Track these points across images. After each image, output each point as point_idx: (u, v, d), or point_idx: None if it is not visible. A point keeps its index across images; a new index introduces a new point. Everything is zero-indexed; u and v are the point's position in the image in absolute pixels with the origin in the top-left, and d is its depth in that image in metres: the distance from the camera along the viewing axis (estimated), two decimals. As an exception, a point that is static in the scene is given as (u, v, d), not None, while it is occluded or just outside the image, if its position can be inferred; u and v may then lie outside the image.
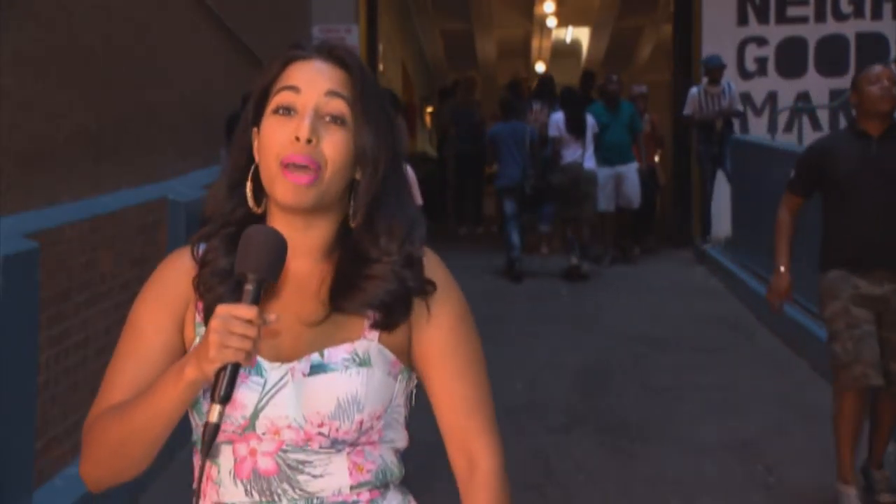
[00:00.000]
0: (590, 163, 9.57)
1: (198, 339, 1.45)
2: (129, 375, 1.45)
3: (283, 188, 1.41)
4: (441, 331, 1.51)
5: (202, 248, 1.49)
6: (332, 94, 1.44)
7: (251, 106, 1.49)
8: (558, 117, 9.57)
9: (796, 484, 4.56)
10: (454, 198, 13.30)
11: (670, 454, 4.96)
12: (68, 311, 4.11)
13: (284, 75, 1.46)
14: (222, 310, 1.29)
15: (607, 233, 10.35)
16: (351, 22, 11.36)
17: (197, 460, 1.48)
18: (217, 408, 1.30)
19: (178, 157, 6.08)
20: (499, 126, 10.15)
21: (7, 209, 3.77)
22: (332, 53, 1.48)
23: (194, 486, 1.50)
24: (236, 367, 1.30)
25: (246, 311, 1.29)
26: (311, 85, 1.44)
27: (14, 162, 3.89)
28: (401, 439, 1.52)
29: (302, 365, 1.43)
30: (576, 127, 9.44)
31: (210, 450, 1.33)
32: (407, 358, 1.51)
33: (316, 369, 1.42)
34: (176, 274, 1.49)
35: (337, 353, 1.43)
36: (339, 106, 1.44)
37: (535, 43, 22.87)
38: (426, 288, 1.48)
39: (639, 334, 7.40)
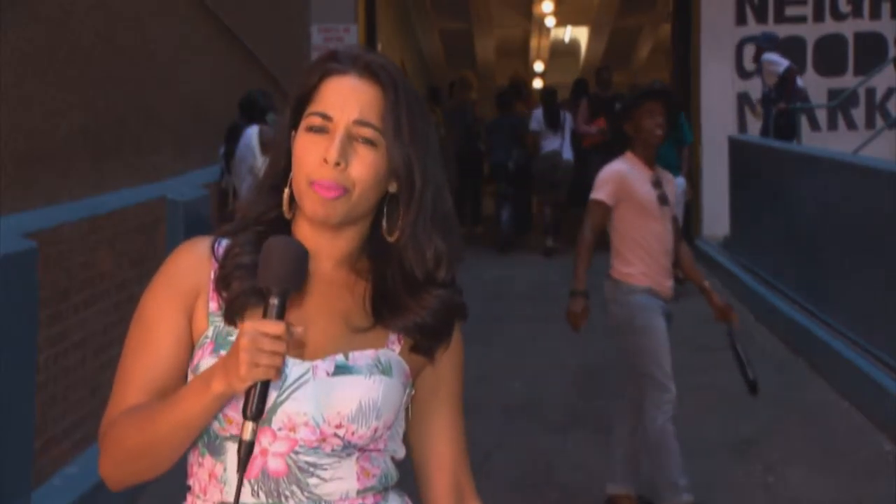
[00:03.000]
0: (567, 154, 10.70)
1: (211, 329, 1.44)
2: (142, 375, 1.44)
3: (312, 203, 1.43)
4: (456, 365, 1.57)
5: (222, 244, 1.48)
6: (361, 123, 1.44)
7: (289, 112, 1.50)
8: (538, 113, 11.01)
9: (795, 483, 4.55)
10: (453, 198, 13.28)
11: (669, 454, 4.95)
12: (67, 311, 4.11)
13: (320, 93, 1.46)
14: (249, 327, 1.29)
15: None
16: (350, 21, 11.36)
17: (193, 457, 1.48)
18: (250, 425, 1.30)
19: (177, 156, 6.07)
20: (494, 119, 11.98)
21: (6, 209, 3.77)
22: (368, 69, 1.47)
23: (189, 482, 1.49)
24: (266, 384, 1.30)
25: (273, 326, 1.29)
26: (343, 111, 1.44)
27: (13, 161, 3.89)
28: (400, 450, 1.54)
29: (326, 364, 1.43)
30: (552, 121, 10.78)
31: (246, 468, 1.32)
32: (416, 375, 1.52)
33: (340, 370, 1.43)
34: (188, 265, 1.48)
35: (362, 358, 1.44)
36: (368, 133, 1.44)
37: (533, 42, 22.89)
38: (464, 314, 1.54)
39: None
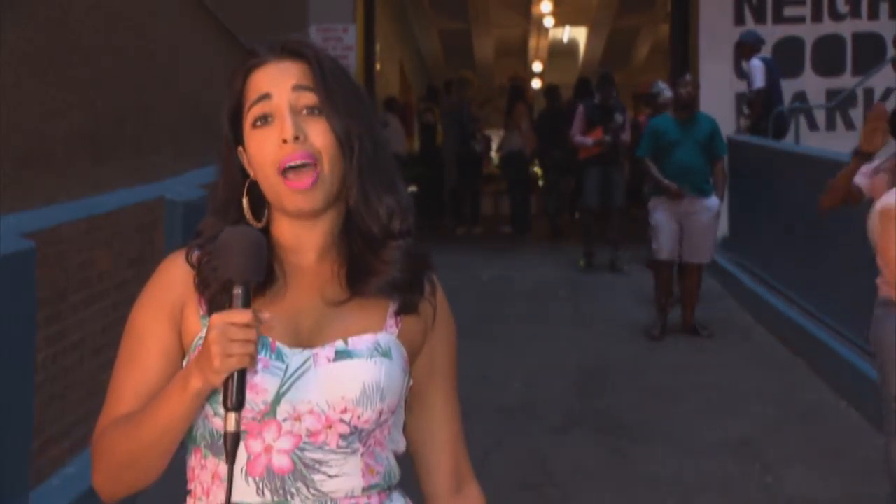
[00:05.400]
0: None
1: (205, 331, 1.43)
2: (131, 386, 1.45)
3: (291, 198, 1.43)
4: (449, 344, 1.57)
5: (196, 252, 1.48)
6: (299, 87, 1.45)
7: (227, 127, 1.50)
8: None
9: (793, 483, 4.56)
10: (452, 198, 13.30)
11: (668, 454, 4.96)
12: (65, 311, 4.11)
13: (250, 87, 1.47)
14: (217, 319, 1.29)
15: (661, 293, 7.40)
16: (348, 22, 11.37)
17: (194, 460, 1.48)
18: (232, 416, 1.30)
19: (176, 156, 6.07)
20: (542, 111, 12.99)
21: (4, 208, 3.77)
22: (286, 49, 1.48)
23: (189, 486, 1.49)
24: (243, 373, 1.30)
25: (240, 315, 1.29)
26: (278, 86, 1.45)
27: (12, 161, 3.89)
28: (401, 442, 1.54)
29: (326, 351, 1.43)
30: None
31: (235, 459, 1.32)
32: (413, 360, 1.53)
33: (341, 355, 1.43)
34: (171, 277, 1.49)
35: (361, 342, 1.45)
36: (309, 97, 1.45)
37: (532, 42, 22.87)
38: (432, 266, 1.53)
39: (637, 334, 7.40)
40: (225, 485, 1.41)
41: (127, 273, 4.74)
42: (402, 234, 1.49)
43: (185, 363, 1.46)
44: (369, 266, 1.47)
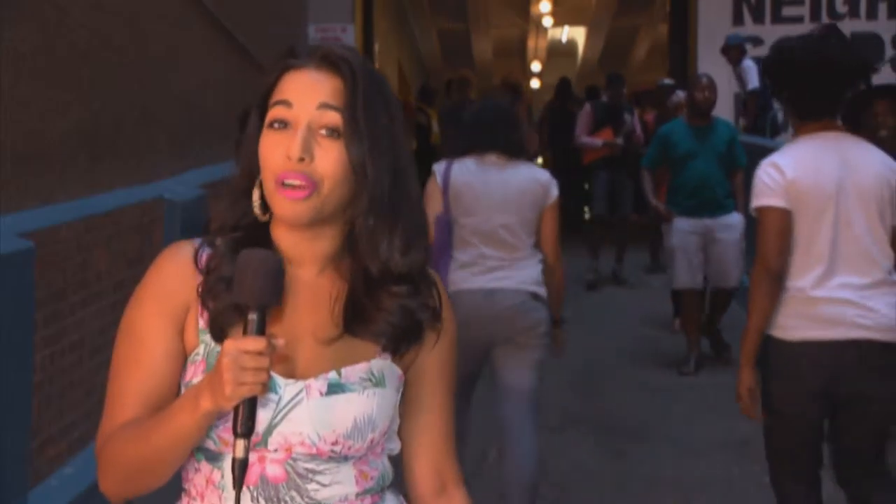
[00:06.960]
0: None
1: (202, 347, 1.42)
2: (134, 389, 1.42)
3: (280, 205, 1.39)
4: (443, 353, 1.53)
5: (205, 253, 1.45)
6: (324, 106, 1.39)
7: (254, 114, 1.46)
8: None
9: (793, 483, 4.55)
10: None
11: (667, 454, 4.96)
12: (63, 311, 4.10)
13: (279, 86, 1.43)
14: (230, 346, 1.27)
15: (689, 324, 6.61)
16: (347, 21, 11.37)
17: (189, 462, 1.47)
18: (241, 443, 1.29)
19: (175, 156, 6.06)
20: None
21: (2, 208, 3.76)
22: (327, 59, 1.42)
23: (184, 485, 1.49)
24: (253, 400, 1.29)
25: (254, 343, 1.27)
26: (304, 98, 1.40)
27: (9, 161, 3.88)
28: (396, 446, 1.54)
29: (319, 383, 1.41)
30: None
31: (242, 485, 1.31)
32: (407, 371, 1.51)
33: (333, 388, 1.41)
34: (174, 276, 1.44)
35: (354, 373, 1.43)
36: (332, 118, 1.39)
37: (531, 43, 22.89)
38: (434, 322, 1.49)
39: (636, 334, 7.40)
40: (219, 491, 1.42)
41: (125, 273, 4.74)
42: (402, 276, 1.44)
43: (185, 372, 1.44)
44: (364, 310, 1.43)
